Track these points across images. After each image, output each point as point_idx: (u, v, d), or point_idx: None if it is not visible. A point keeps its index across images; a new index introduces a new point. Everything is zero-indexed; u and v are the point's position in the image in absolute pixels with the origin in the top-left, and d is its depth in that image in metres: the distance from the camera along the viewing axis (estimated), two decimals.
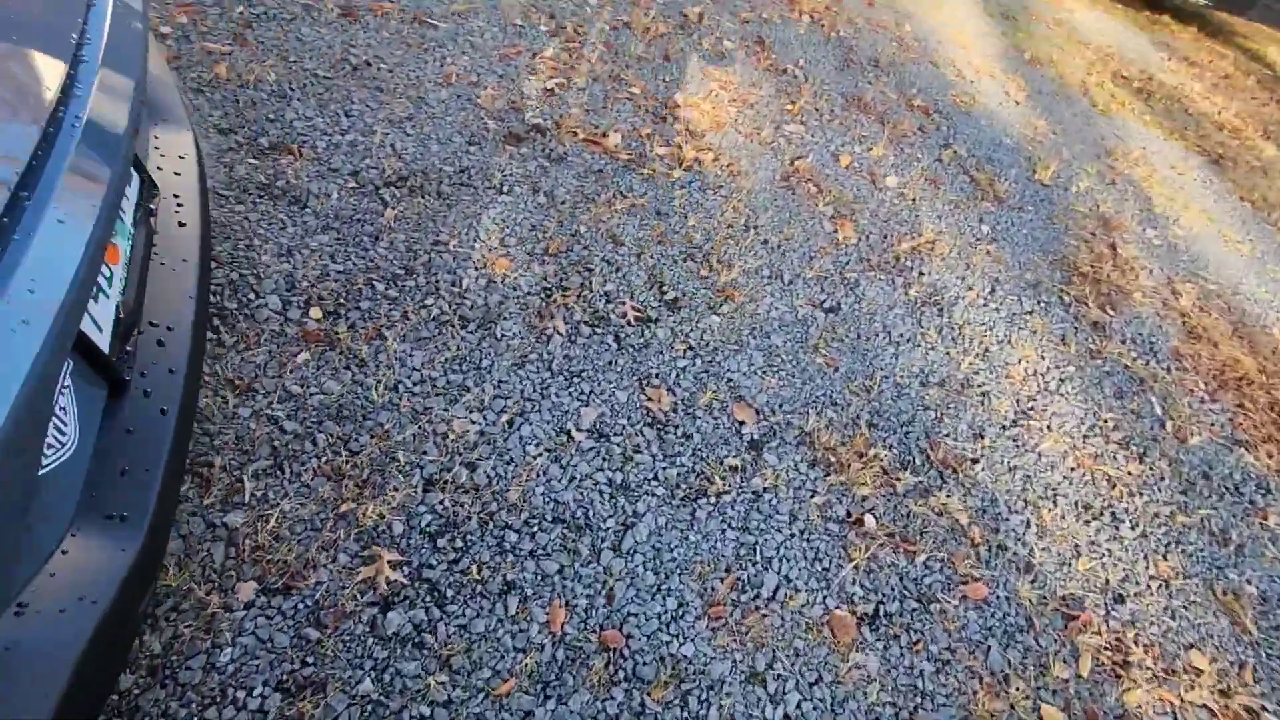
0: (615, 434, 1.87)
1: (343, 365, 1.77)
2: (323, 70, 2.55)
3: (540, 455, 1.77)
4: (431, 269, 2.06)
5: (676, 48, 3.49)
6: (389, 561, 1.48)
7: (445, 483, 1.65)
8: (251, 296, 1.83)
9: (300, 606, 1.39)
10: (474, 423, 1.77)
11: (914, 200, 3.13)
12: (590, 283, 2.21)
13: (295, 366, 1.73)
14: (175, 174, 1.19)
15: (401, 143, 2.40)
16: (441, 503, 1.61)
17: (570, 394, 1.91)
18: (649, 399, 1.98)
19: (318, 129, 2.33)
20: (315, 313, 1.85)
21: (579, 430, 1.85)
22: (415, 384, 1.80)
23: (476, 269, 2.11)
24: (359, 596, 1.44)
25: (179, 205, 1.14)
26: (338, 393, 1.72)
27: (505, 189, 2.40)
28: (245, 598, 1.38)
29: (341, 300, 1.90)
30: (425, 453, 1.68)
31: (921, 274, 2.77)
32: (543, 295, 2.12)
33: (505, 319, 2.01)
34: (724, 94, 3.30)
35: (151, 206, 1.10)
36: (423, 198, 2.25)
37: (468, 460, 1.70)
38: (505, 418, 1.81)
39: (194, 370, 0.99)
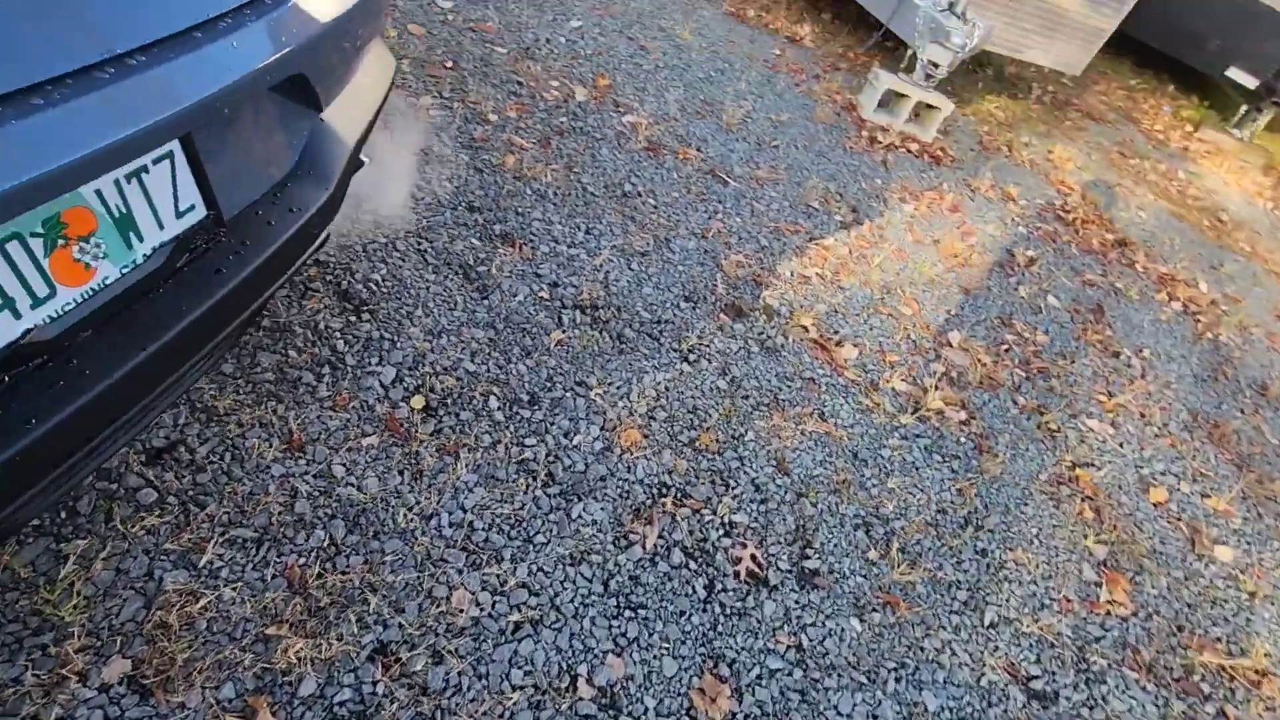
0: (630, 714, 1.36)
1: (398, 468, 1.57)
2: (593, 187, 2.59)
3: (523, 690, 1.33)
4: (556, 409, 1.82)
5: (982, 284, 2.97)
6: None
7: (395, 661, 1.30)
8: (373, 360, 1.75)
9: None
10: (478, 604, 1.42)
11: (1252, 596, 2.11)
12: (719, 503, 1.76)
13: (356, 448, 1.58)
14: (269, 223, 1.11)
15: (617, 274, 2.27)
16: (373, 685, 1.27)
17: (610, 629, 1.46)
18: (702, 690, 1.43)
19: (551, 234, 2.32)
20: (416, 402, 1.71)
21: (589, 683, 1.38)
22: (449, 525, 1.52)
23: (602, 429, 1.81)
24: None
25: (238, 251, 1.04)
26: (371, 494, 1.51)
27: (691, 358, 2.10)
28: (108, 678, 1.16)
29: (449, 401, 1.74)
30: (401, 610, 1.37)
31: (1222, 715, 1.77)
32: (654, 492, 1.73)
33: (594, 499, 1.66)
34: (1017, 351, 2.67)
35: (200, 244, 1.01)
36: (599, 333, 2.06)
37: (437, 646, 1.34)
38: (515, 617, 1.42)
39: (68, 429, 0.83)
